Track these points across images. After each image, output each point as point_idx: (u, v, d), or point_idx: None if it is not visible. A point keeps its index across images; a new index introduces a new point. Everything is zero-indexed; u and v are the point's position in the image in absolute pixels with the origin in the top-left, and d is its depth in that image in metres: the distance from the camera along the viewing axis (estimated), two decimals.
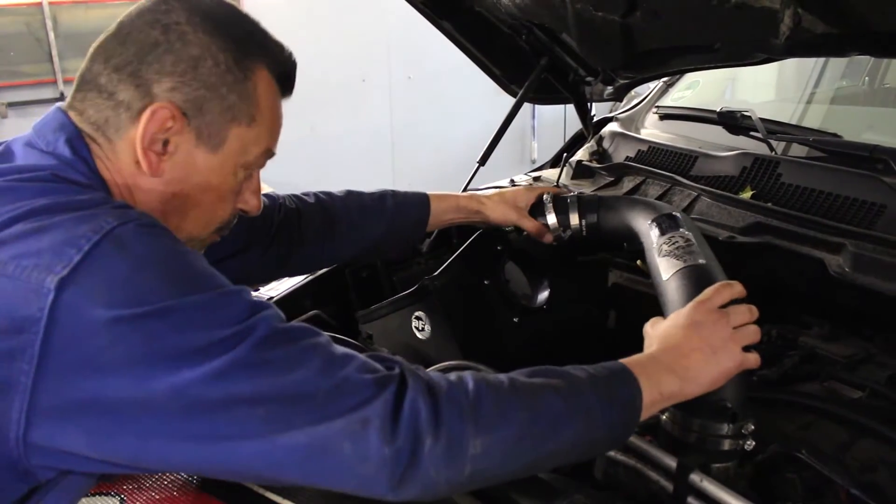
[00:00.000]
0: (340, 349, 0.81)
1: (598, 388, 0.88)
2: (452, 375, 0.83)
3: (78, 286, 0.71)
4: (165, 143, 0.87)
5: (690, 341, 0.96)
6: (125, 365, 0.71)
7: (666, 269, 1.16)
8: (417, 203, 1.48)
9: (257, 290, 1.62)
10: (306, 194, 1.43)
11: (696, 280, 1.11)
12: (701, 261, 1.15)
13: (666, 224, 1.26)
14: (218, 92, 0.88)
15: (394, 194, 1.47)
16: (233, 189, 0.96)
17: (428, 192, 1.50)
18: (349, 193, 1.46)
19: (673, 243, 1.21)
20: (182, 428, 0.72)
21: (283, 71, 0.98)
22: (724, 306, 1.01)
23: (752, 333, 1.00)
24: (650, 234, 1.27)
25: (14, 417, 0.71)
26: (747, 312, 1.01)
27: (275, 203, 1.36)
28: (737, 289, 1.03)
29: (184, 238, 0.90)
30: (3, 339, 0.70)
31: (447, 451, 0.76)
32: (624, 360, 0.94)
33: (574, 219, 1.45)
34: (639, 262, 1.62)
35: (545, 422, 0.83)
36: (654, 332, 1.03)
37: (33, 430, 0.72)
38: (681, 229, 1.24)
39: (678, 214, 1.29)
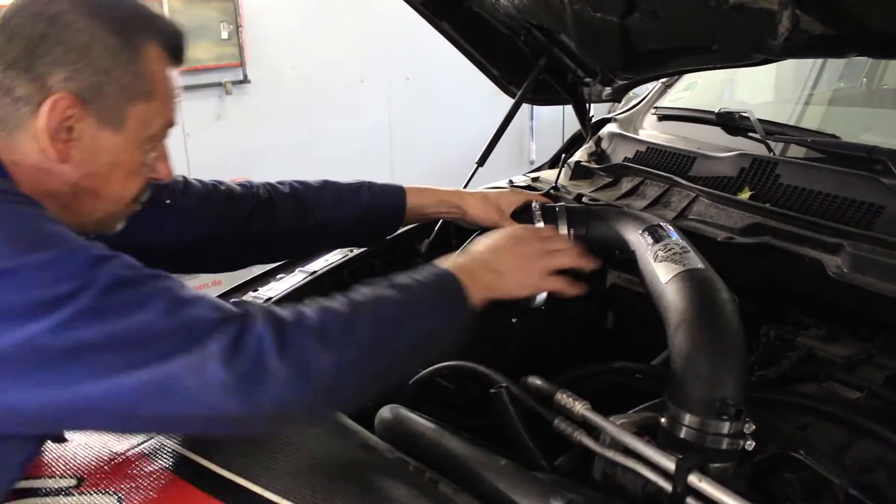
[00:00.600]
0: (190, 292, 0.85)
1: (427, 288, 1.00)
2: (295, 307, 0.90)
3: None
4: (69, 130, 0.90)
5: (505, 247, 1.16)
6: None
7: (664, 273, 1.17)
8: (393, 195, 1.50)
9: (256, 290, 1.61)
10: (281, 183, 1.45)
11: (696, 282, 1.12)
12: (699, 265, 1.17)
13: (658, 233, 1.28)
14: (112, 75, 0.91)
15: (370, 186, 1.50)
16: (141, 163, 1.01)
17: (408, 186, 1.52)
18: (325, 183, 1.49)
19: (669, 249, 1.22)
20: (34, 378, 0.76)
21: (173, 43, 1.01)
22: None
23: (565, 257, 1.21)
24: (643, 242, 1.28)
25: None
26: (564, 242, 1.23)
27: (248, 191, 1.41)
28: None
29: (101, 215, 1.00)
30: None
31: (295, 370, 0.82)
32: (440, 264, 1.07)
33: (563, 229, 1.45)
34: None
35: (389, 330, 0.93)
36: (479, 239, 1.21)
37: None
38: (674, 237, 1.27)
39: (669, 225, 1.31)
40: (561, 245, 1.25)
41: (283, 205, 1.42)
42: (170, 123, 1.02)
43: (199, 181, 1.40)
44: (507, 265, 1.15)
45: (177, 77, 1.02)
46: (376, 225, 1.52)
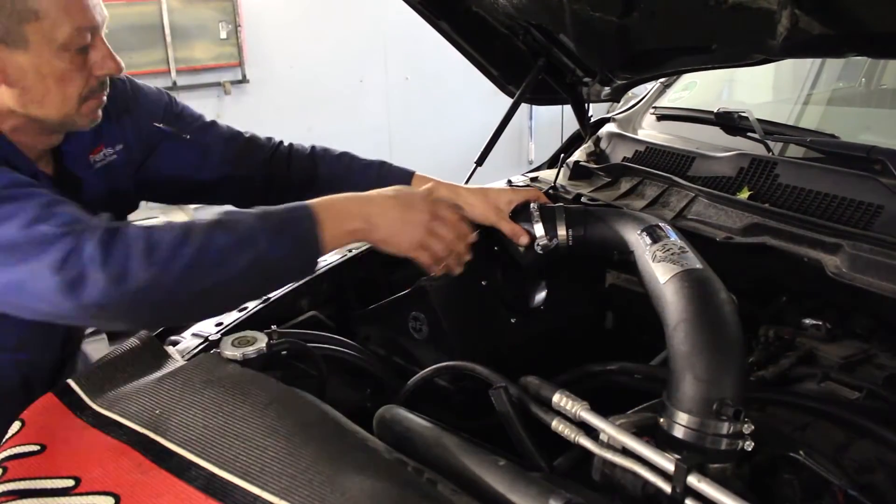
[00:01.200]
0: (52, 208, 1.04)
1: (268, 223, 1.09)
2: (142, 227, 1.05)
3: None
4: None
5: (388, 202, 1.20)
6: None
7: (662, 273, 1.17)
8: (401, 178, 1.56)
9: None
10: (303, 146, 1.62)
11: (694, 282, 1.12)
12: (698, 265, 1.16)
13: (657, 233, 1.28)
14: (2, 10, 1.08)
15: (382, 164, 1.60)
16: (67, 69, 1.16)
17: (418, 174, 1.58)
18: (344, 154, 1.62)
19: (667, 249, 1.22)
20: None
21: None
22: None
23: (447, 231, 1.25)
24: (641, 243, 1.27)
25: None
26: (454, 219, 1.26)
27: (270, 141, 1.59)
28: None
29: (57, 118, 1.20)
30: None
31: (113, 281, 0.99)
32: (311, 202, 1.15)
33: (561, 229, 1.44)
34: None
35: (213, 255, 1.04)
36: (377, 190, 1.24)
37: None
38: (672, 237, 1.26)
39: (668, 225, 1.30)
40: (449, 220, 1.28)
41: (299, 161, 1.58)
42: (83, 29, 1.15)
43: (227, 126, 1.57)
44: (385, 219, 1.20)
45: None
46: None
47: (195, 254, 1.04)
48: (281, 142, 1.61)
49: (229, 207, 1.57)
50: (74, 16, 1.14)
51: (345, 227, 1.16)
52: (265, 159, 1.56)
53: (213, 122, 1.56)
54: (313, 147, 1.61)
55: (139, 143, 1.46)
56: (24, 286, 1.01)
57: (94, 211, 1.12)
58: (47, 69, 1.14)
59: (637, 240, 1.29)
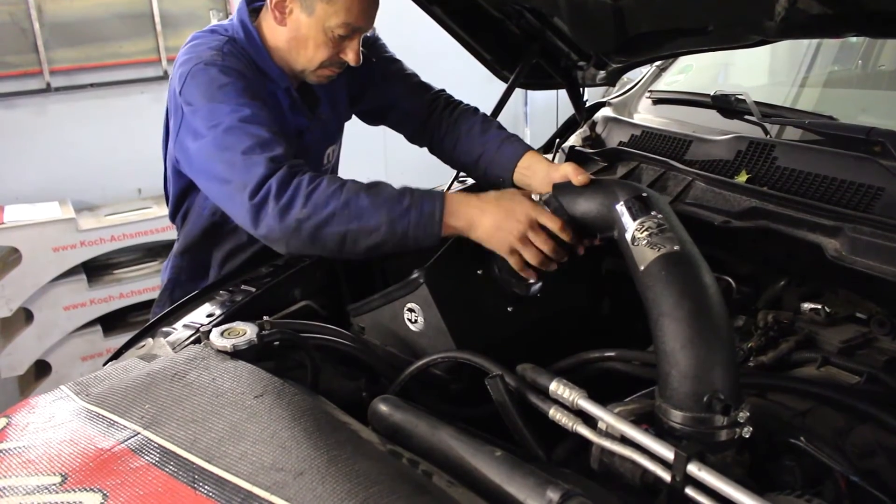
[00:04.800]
0: (269, 146, 1.40)
1: (406, 197, 1.36)
2: (313, 174, 1.39)
3: None
4: (285, 8, 1.55)
5: (491, 207, 1.36)
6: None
7: (640, 259, 1.12)
8: (513, 154, 1.68)
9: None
10: (456, 102, 1.93)
11: (672, 269, 1.08)
12: (676, 247, 1.10)
13: (637, 207, 1.20)
14: None
15: (503, 141, 1.73)
16: (325, 42, 1.56)
17: (531, 152, 1.67)
18: (478, 119, 1.84)
19: (645, 229, 1.15)
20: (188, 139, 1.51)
21: None
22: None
23: (541, 240, 1.34)
24: (622, 221, 1.20)
25: None
26: (556, 224, 1.33)
27: (441, 91, 1.95)
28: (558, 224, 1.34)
29: (298, 68, 1.64)
30: None
31: (279, 214, 1.35)
32: (451, 192, 1.40)
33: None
34: None
35: (354, 209, 1.34)
36: (488, 194, 1.41)
37: None
38: (651, 212, 1.18)
39: (648, 193, 1.23)
40: (549, 227, 1.34)
41: (462, 114, 1.87)
42: (349, 26, 1.53)
43: (406, 66, 1.95)
44: (483, 222, 1.36)
45: None
46: (494, 172, 1.74)
47: (342, 205, 1.34)
48: (442, 90, 1.96)
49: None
50: (352, 15, 1.52)
51: (450, 222, 1.36)
52: (429, 99, 1.91)
53: (398, 60, 1.93)
54: (461, 104, 1.92)
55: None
56: (232, 199, 1.40)
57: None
58: (313, 34, 1.55)
59: (618, 217, 1.22)
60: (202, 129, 1.46)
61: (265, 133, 1.42)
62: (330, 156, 1.92)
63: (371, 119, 2.00)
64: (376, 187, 1.38)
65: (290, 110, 1.70)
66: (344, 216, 1.34)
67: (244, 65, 1.57)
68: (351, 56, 1.59)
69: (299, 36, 1.57)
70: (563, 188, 1.38)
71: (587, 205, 1.32)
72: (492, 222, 1.35)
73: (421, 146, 1.97)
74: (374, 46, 1.86)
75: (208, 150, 1.44)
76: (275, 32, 1.61)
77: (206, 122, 1.45)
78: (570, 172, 1.38)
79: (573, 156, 1.94)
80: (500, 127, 1.81)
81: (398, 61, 1.93)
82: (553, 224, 1.33)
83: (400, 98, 1.90)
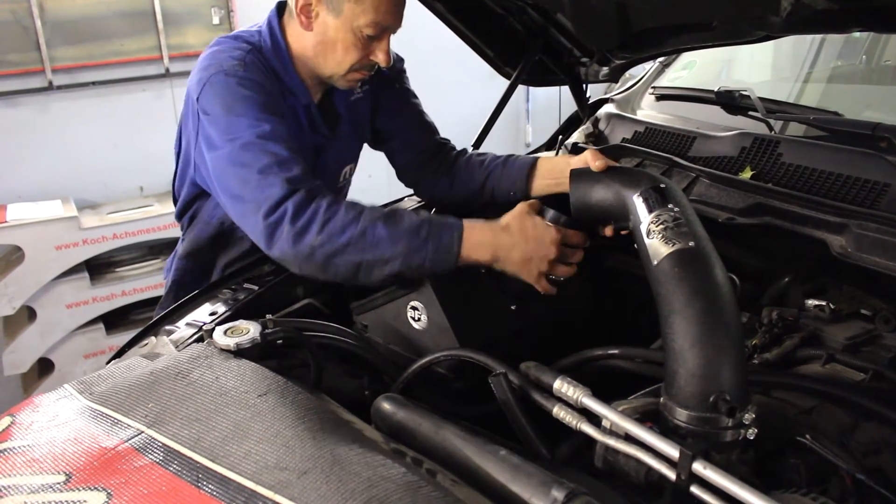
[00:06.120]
0: (287, 165, 1.37)
1: (423, 228, 1.33)
2: (334, 199, 1.36)
3: None
4: (310, 11, 1.51)
5: (518, 238, 1.35)
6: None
7: (654, 253, 1.10)
8: (522, 167, 1.70)
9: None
10: (463, 152, 1.89)
11: (686, 265, 1.06)
12: (691, 243, 1.09)
13: (654, 199, 1.18)
14: None
15: (506, 160, 1.75)
16: (354, 43, 1.51)
17: (542, 157, 1.70)
18: (478, 157, 1.83)
19: (661, 223, 1.13)
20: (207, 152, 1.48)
21: None
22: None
23: (565, 269, 1.39)
24: (637, 212, 1.19)
25: None
26: (580, 240, 1.38)
27: (447, 142, 1.90)
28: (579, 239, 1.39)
29: (327, 74, 1.59)
30: None
31: (293, 239, 1.32)
32: (469, 221, 1.36)
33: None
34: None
35: (370, 239, 1.31)
36: (508, 217, 1.39)
37: None
38: (669, 205, 1.16)
39: (666, 184, 1.21)
40: (574, 258, 1.39)
41: (467, 162, 1.84)
42: (378, 25, 1.49)
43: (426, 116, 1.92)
44: (511, 256, 1.35)
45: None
46: (502, 195, 1.74)
47: (358, 234, 1.31)
48: (453, 146, 1.90)
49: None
50: (380, 13, 1.48)
51: (473, 256, 1.34)
52: (439, 141, 1.89)
53: (417, 96, 1.92)
54: (465, 152, 1.89)
55: (375, 86, 1.79)
56: (246, 214, 1.38)
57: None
58: (341, 35, 1.51)
59: (634, 206, 1.21)
60: (218, 141, 1.43)
61: (283, 151, 1.39)
62: (346, 174, 1.89)
63: (373, 142, 1.94)
64: (394, 216, 1.35)
65: (310, 127, 1.67)
66: (359, 246, 1.31)
67: (266, 77, 1.53)
68: (381, 57, 1.55)
69: (327, 39, 1.52)
70: (580, 175, 1.38)
71: (603, 192, 1.31)
72: (520, 256, 1.35)
73: (408, 183, 1.95)
74: (400, 76, 1.86)
75: (223, 164, 1.42)
76: (301, 39, 1.56)
77: (223, 135, 1.42)
78: (589, 158, 1.39)
79: (576, 153, 1.93)
80: (495, 155, 1.81)
81: (417, 97, 1.91)
82: (579, 240, 1.39)
83: (408, 129, 1.88)
